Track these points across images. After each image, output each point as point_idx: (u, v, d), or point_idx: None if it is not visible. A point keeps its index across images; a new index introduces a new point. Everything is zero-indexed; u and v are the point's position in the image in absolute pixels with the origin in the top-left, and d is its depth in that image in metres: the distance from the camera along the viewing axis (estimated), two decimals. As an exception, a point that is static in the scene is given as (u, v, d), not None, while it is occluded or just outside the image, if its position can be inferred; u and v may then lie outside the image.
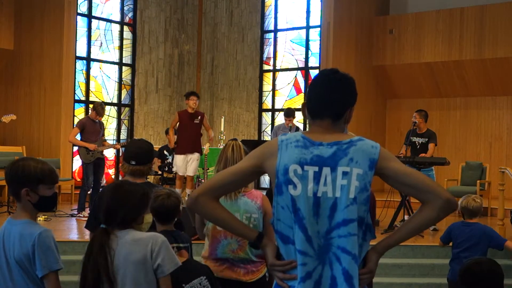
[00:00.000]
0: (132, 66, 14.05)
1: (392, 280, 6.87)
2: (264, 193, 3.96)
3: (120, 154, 12.88)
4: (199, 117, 9.85)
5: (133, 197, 2.96)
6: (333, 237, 2.29)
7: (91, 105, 10.88)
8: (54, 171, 2.93)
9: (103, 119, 10.79)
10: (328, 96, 2.39)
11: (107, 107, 13.39)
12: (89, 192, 9.44)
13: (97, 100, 12.62)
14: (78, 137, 9.55)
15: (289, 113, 10.16)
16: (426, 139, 8.83)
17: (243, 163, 2.44)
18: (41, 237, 2.76)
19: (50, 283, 2.76)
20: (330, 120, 2.40)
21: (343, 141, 2.34)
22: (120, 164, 11.67)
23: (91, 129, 9.53)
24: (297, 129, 10.03)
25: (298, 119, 14.01)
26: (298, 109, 14.05)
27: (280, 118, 13.69)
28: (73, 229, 8.37)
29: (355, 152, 2.31)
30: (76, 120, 11.84)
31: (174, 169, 9.99)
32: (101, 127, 9.76)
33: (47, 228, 2.84)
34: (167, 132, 11.44)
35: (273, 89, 14.49)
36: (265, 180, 13.61)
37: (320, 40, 13.38)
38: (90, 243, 2.88)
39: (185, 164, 9.76)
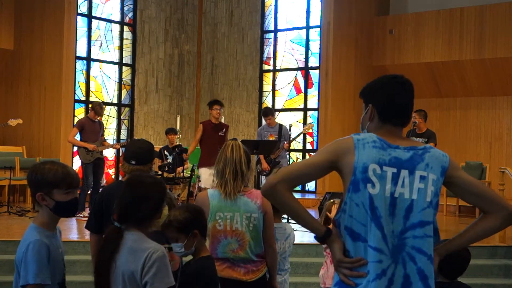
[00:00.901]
0: (132, 66, 14.05)
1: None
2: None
3: (120, 154, 12.89)
4: (224, 130, 9.27)
5: (152, 191, 2.81)
6: (407, 238, 2.37)
7: (91, 105, 10.88)
8: (71, 174, 2.75)
9: (103, 119, 10.79)
10: (404, 105, 2.52)
11: (107, 107, 13.40)
12: (89, 192, 9.45)
13: (97, 100, 12.63)
14: (78, 137, 9.55)
15: (267, 112, 10.14)
16: (426, 139, 8.83)
17: (318, 157, 2.46)
18: (30, 247, 2.65)
19: None
20: (401, 126, 2.53)
21: (418, 147, 2.46)
22: (120, 164, 11.66)
23: (90, 129, 9.54)
24: (281, 126, 9.99)
25: (298, 119, 14.02)
26: (296, 109, 14.09)
27: (280, 118, 13.68)
28: (73, 229, 8.37)
29: (430, 158, 2.43)
30: (76, 120, 11.84)
31: (201, 184, 9.30)
32: (100, 127, 9.76)
33: (43, 239, 2.69)
34: (167, 133, 11.43)
35: (273, 89, 14.49)
36: (264, 180, 13.61)
37: (320, 40, 13.38)
38: (103, 244, 2.75)
39: (211, 177, 9.18)
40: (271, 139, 9.94)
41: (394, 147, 2.43)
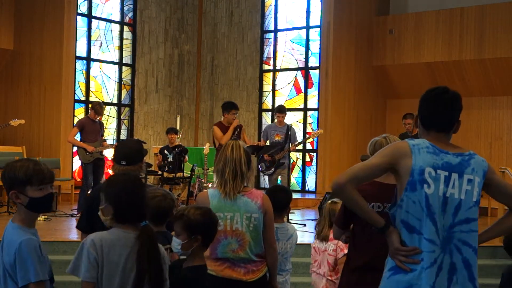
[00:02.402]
0: (132, 66, 14.04)
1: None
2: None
3: (120, 154, 12.86)
4: (236, 132, 9.01)
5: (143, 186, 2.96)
6: (455, 232, 2.76)
7: (91, 105, 10.88)
8: (43, 170, 2.76)
9: (103, 119, 10.77)
10: (442, 113, 2.87)
11: (107, 107, 13.39)
12: (88, 192, 9.44)
13: (97, 100, 12.62)
14: (78, 137, 9.55)
15: (282, 109, 10.15)
16: None
17: (377, 159, 2.81)
18: (21, 246, 2.64)
19: None
20: (445, 132, 2.88)
21: (465, 153, 2.85)
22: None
23: (90, 128, 9.53)
24: (289, 128, 9.97)
25: (298, 119, 14.02)
26: (296, 109, 14.08)
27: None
28: (73, 229, 8.37)
29: (475, 164, 2.83)
30: (76, 120, 11.84)
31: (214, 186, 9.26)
32: (100, 127, 9.76)
33: (32, 236, 2.69)
34: (167, 132, 11.43)
35: (273, 89, 14.48)
36: (265, 180, 13.60)
37: (320, 40, 13.37)
38: (147, 243, 2.73)
39: None
40: (277, 138, 9.97)
41: (445, 152, 2.80)
